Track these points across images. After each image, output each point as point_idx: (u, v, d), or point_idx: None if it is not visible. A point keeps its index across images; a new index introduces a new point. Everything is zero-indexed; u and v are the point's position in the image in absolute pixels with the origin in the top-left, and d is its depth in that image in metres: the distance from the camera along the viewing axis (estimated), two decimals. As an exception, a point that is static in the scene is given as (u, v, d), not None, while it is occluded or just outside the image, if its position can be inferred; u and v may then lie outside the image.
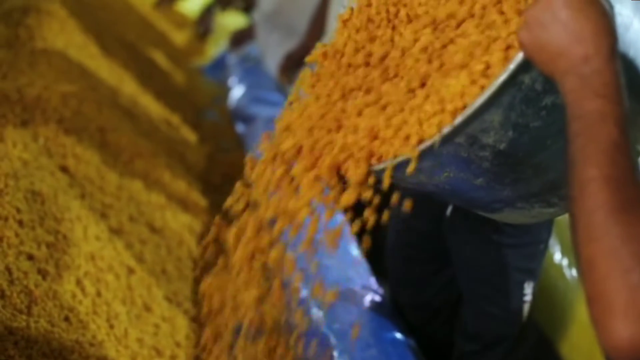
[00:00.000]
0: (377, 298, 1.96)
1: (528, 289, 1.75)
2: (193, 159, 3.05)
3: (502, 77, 1.05)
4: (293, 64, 3.66)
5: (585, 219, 0.89)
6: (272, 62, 4.05)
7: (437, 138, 1.09)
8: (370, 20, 1.35)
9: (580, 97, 0.93)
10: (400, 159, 1.12)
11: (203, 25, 5.30)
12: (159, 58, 4.21)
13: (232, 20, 5.30)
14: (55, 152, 2.13)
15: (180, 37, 5.16)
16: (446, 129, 1.08)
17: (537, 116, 1.10)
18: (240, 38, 4.68)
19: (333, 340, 1.74)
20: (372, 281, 2.03)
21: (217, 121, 3.86)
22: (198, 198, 2.67)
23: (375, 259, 2.12)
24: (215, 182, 2.97)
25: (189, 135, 3.32)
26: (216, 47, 5.12)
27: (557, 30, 0.96)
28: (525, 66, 1.04)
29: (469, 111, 1.06)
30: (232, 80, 4.18)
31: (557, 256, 2.26)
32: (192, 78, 4.42)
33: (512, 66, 1.05)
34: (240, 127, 3.65)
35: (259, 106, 3.68)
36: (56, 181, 1.99)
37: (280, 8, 4.17)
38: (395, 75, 1.25)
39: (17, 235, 1.64)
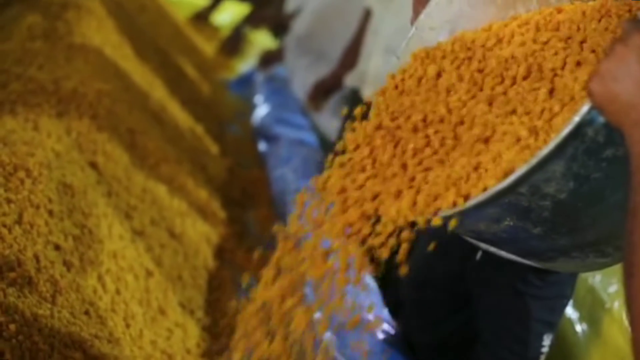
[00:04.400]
0: (390, 329, 1.96)
1: (546, 341, 1.76)
2: (214, 170, 3.06)
3: (567, 129, 1.07)
4: (322, 91, 3.69)
5: None
6: (299, 85, 4.08)
7: (501, 186, 1.10)
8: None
9: None
10: (477, 200, 1.14)
11: (231, 44, 5.34)
12: (188, 68, 4.23)
13: (262, 39, 5.33)
14: (86, 147, 2.15)
15: (209, 50, 5.18)
16: (510, 179, 1.10)
17: (598, 167, 1.12)
18: (270, 58, 4.72)
19: (345, 366, 1.74)
20: (385, 312, 2.03)
21: (239, 136, 3.88)
22: (217, 210, 2.69)
23: (389, 293, 2.13)
24: (235, 197, 2.99)
25: (212, 147, 3.34)
26: (244, 63, 5.15)
27: (629, 84, 0.99)
28: (589, 119, 1.06)
29: (533, 161, 1.08)
30: (258, 98, 4.21)
31: (568, 310, 2.26)
32: (218, 91, 4.44)
33: (577, 118, 1.07)
34: (262, 146, 3.67)
35: (283, 127, 3.71)
36: (85, 176, 2.00)
37: (313, 33, 4.20)
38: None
39: (46, 224, 1.65)
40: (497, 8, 1.52)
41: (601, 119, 1.06)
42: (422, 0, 1.52)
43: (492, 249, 1.61)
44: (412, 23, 1.55)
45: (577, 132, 1.07)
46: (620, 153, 1.01)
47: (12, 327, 1.29)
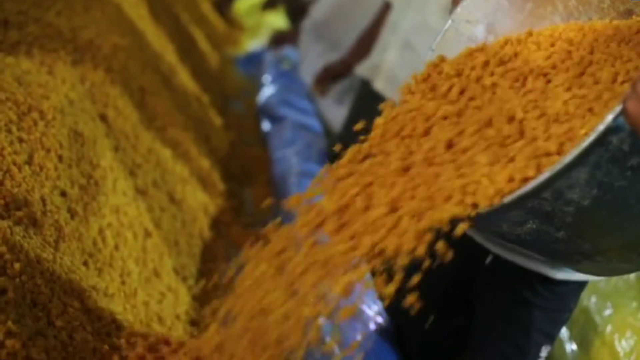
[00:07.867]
0: (384, 324, 1.94)
1: (544, 352, 1.74)
2: (217, 142, 3.03)
3: (591, 137, 1.06)
4: (330, 77, 3.66)
5: None
6: (309, 70, 4.05)
7: (523, 190, 1.09)
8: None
9: None
10: (508, 199, 1.12)
11: (220, 7, 5.34)
12: (199, 38, 4.20)
13: (274, 20, 5.30)
14: (98, 99, 2.11)
15: (221, 25, 5.15)
16: (534, 183, 1.09)
17: (622, 176, 1.11)
18: (281, 40, 4.69)
19: (337, 351, 1.72)
20: (380, 306, 2.01)
21: (242, 113, 3.85)
22: (217, 181, 2.66)
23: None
24: (234, 172, 2.96)
25: (216, 119, 3.31)
26: (253, 41, 5.11)
27: None
28: (614, 127, 1.05)
29: (556, 167, 1.07)
30: (266, 78, 4.17)
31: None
32: (226, 66, 4.41)
33: (601, 127, 1.06)
34: (266, 125, 3.64)
35: (288, 109, 3.67)
36: (96, 127, 1.96)
37: (330, 20, 4.17)
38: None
39: (55, 169, 1.61)
40: (535, 3, 1.50)
41: (627, 128, 1.05)
42: None
43: (506, 255, 1.60)
44: (450, 14, 1.53)
45: (602, 140, 1.06)
46: None
47: (17, 265, 1.25)
